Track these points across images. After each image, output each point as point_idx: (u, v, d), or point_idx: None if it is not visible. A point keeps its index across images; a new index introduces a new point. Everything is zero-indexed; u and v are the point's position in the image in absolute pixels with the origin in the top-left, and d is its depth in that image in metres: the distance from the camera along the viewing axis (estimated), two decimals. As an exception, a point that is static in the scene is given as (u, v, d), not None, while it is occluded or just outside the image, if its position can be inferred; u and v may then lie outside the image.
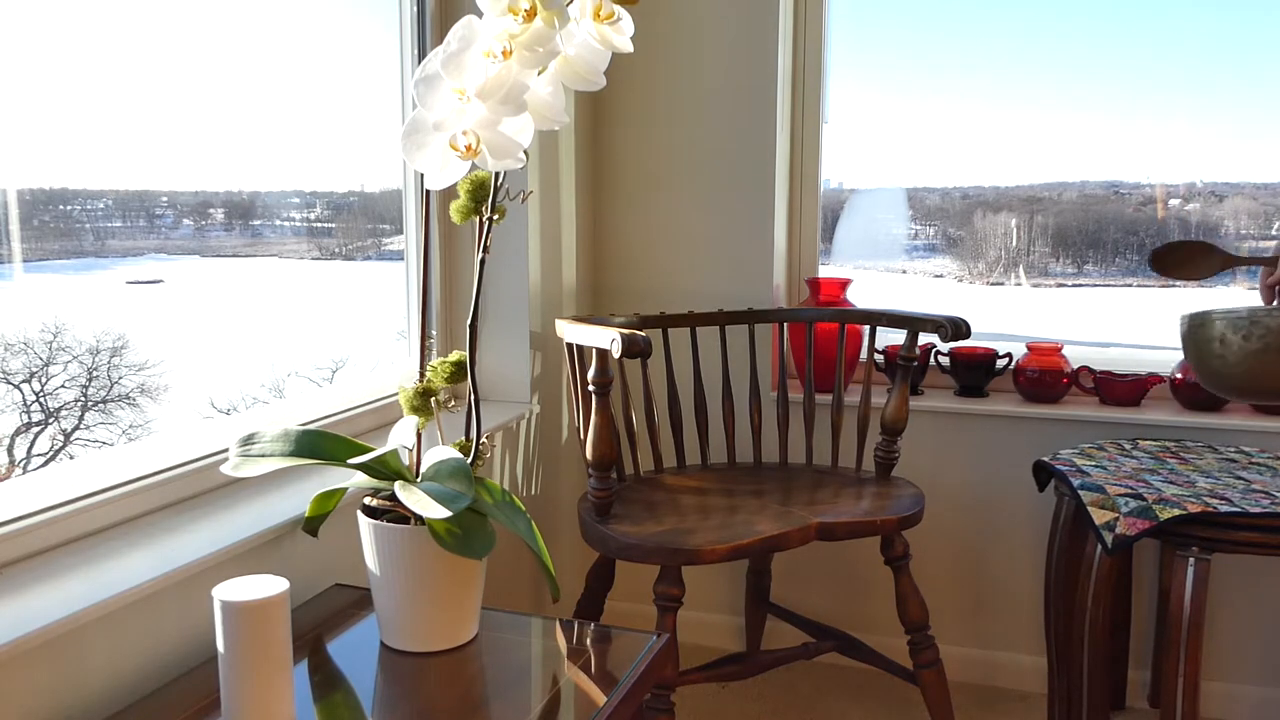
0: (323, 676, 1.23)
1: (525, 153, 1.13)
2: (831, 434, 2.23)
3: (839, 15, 2.54)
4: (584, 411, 1.99)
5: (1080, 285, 2.85)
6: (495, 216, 1.23)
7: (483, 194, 1.23)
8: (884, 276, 2.94)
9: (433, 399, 1.27)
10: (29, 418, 1.87)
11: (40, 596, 1.13)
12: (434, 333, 2.14)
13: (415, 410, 1.27)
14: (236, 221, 2.05)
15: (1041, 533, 2.34)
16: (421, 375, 1.29)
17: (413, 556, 1.23)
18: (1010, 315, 2.87)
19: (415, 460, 1.31)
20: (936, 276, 2.95)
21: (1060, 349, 2.39)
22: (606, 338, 1.83)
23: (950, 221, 2.91)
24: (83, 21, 1.42)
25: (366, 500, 1.30)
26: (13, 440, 1.78)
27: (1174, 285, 2.70)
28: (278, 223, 2.15)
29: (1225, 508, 1.73)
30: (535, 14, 1.02)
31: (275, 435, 1.32)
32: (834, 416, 2.22)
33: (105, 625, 1.18)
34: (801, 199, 2.55)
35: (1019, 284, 2.87)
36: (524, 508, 1.30)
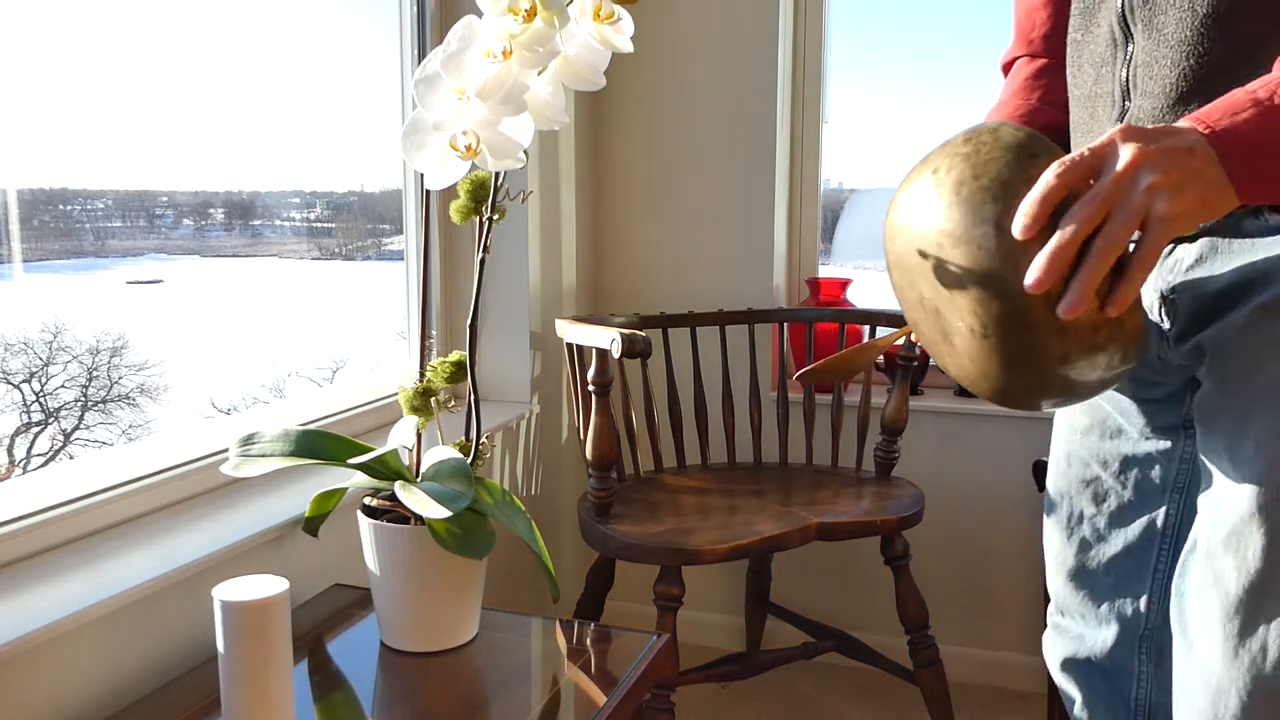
0: (323, 676, 1.23)
1: (525, 153, 1.13)
2: (831, 434, 2.23)
3: (839, 15, 2.54)
4: (584, 411, 1.99)
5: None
6: (495, 216, 1.23)
7: (483, 194, 1.23)
8: (884, 276, 2.93)
9: (433, 399, 1.27)
10: (29, 418, 1.87)
11: (40, 596, 1.13)
12: (434, 333, 2.14)
13: (415, 410, 1.27)
14: (236, 221, 2.05)
15: (1041, 533, 2.34)
16: (421, 375, 1.29)
17: (413, 556, 1.23)
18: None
19: (415, 460, 1.31)
20: (936, 276, 2.94)
21: (1060, 349, 2.38)
22: (606, 338, 1.83)
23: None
24: (82, 21, 1.42)
25: (366, 500, 1.30)
26: (13, 440, 1.78)
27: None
28: (278, 223, 2.15)
29: (1225, 508, 1.73)
30: (535, 14, 1.02)
31: (275, 435, 1.32)
32: (834, 416, 2.22)
33: (105, 625, 1.18)
34: (801, 199, 2.55)
35: (1019, 284, 2.87)
36: (524, 508, 1.30)
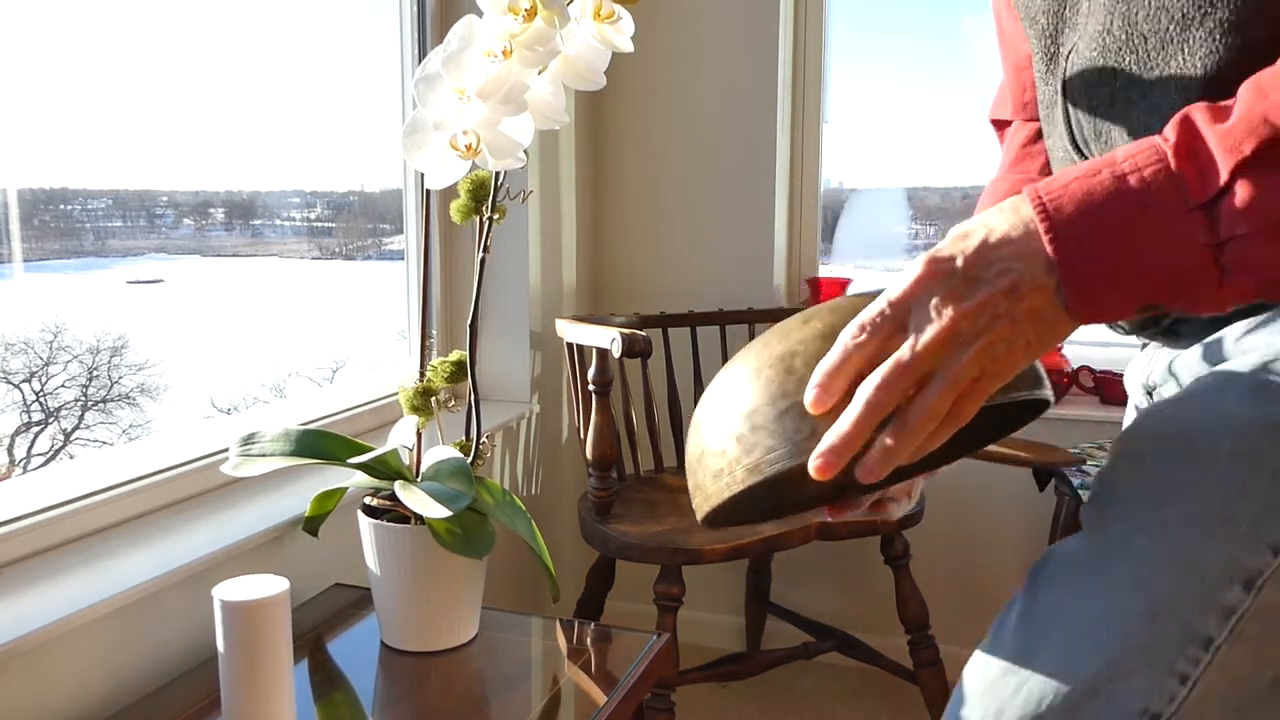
0: (323, 676, 1.23)
1: (525, 152, 1.13)
2: (831, 434, 2.22)
3: (839, 15, 2.54)
4: (584, 411, 1.99)
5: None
6: (495, 216, 1.23)
7: (483, 194, 1.23)
8: (884, 276, 2.94)
9: (433, 399, 1.27)
10: (29, 417, 1.87)
11: (40, 596, 1.13)
12: (434, 332, 2.14)
13: (415, 410, 1.27)
14: (236, 221, 2.05)
15: (1041, 533, 2.34)
16: (421, 375, 1.29)
17: (413, 556, 1.23)
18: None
19: (415, 460, 1.31)
20: (936, 276, 2.94)
21: (1060, 349, 2.39)
22: (606, 337, 1.83)
23: (950, 221, 2.91)
24: (82, 21, 1.42)
25: (367, 500, 1.30)
26: (13, 440, 1.78)
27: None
28: (278, 222, 2.15)
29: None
30: (536, 14, 1.02)
31: (275, 435, 1.32)
32: (834, 416, 2.22)
33: (105, 625, 1.18)
34: (801, 199, 2.55)
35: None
36: (524, 507, 1.30)
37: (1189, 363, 0.77)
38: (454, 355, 1.29)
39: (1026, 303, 0.58)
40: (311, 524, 1.40)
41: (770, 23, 2.37)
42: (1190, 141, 0.56)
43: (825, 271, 2.62)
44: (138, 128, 1.55)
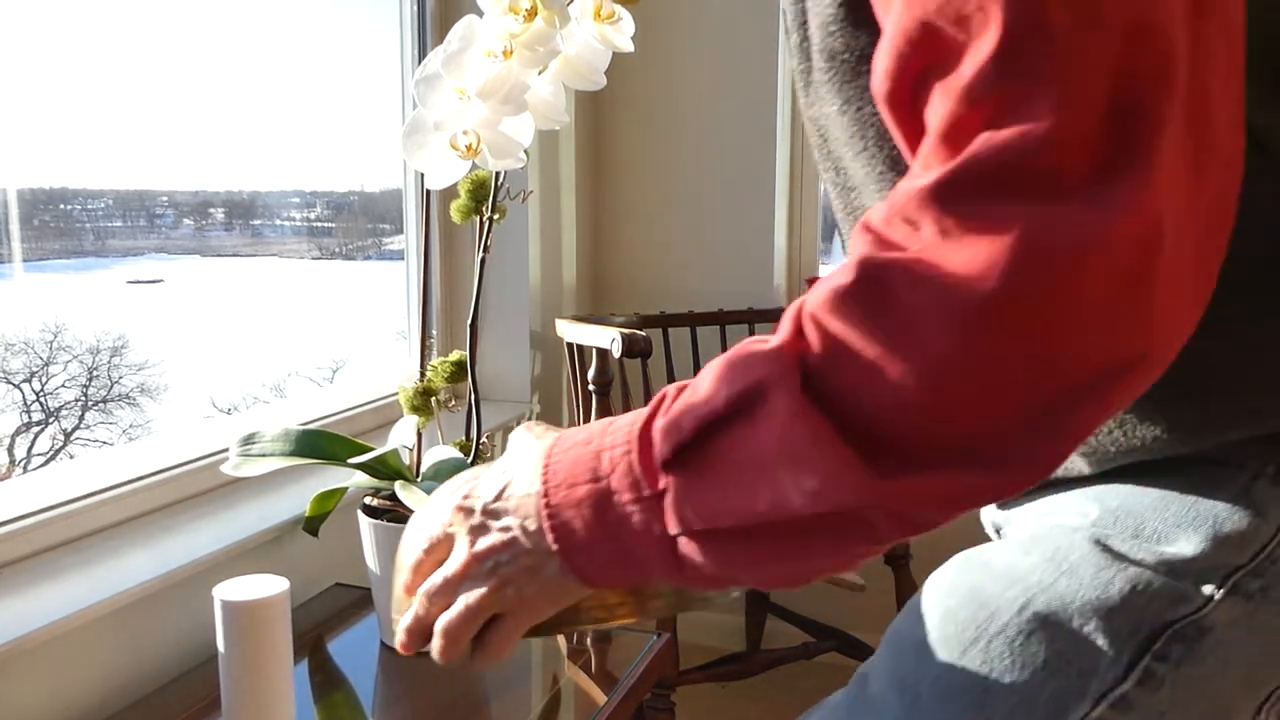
0: (323, 676, 1.23)
1: (525, 152, 1.13)
2: (831, 434, 2.22)
3: (839, 15, 2.54)
4: (584, 411, 1.99)
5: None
6: (495, 216, 1.23)
7: (483, 193, 1.23)
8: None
9: (433, 399, 1.27)
10: (29, 417, 1.87)
11: (40, 596, 1.13)
12: (434, 332, 2.13)
13: (415, 410, 1.27)
14: (237, 221, 2.05)
15: (1042, 533, 2.34)
16: (422, 375, 1.29)
17: (413, 556, 1.23)
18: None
19: (415, 460, 1.31)
20: (936, 276, 2.94)
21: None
22: (606, 337, 1.83)
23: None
24: (83, 21, 1.42)
25: (367, 500, 1.30)
26: (13, 440, 1.78)
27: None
28: (278, 222, 2.15)
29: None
30: (536, 13, 1.02)
31: (275, 435, 1.32)
32: (834, 416, 2.22)
33: (105, 625, 1.17)
34: (801, 199, 2.55)
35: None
36: (524, 508, 1.30)
37: (993, 512, 0.76)
38: (454, 355, 1.29)
39: (524, 560, 0.58)
40: (311, 524, 1.40)
41: (770, 23, 2.36)
42: (648, 426, 0.53)
43: (825, 271, 2.62)
44: (138, 128, 1.55)
